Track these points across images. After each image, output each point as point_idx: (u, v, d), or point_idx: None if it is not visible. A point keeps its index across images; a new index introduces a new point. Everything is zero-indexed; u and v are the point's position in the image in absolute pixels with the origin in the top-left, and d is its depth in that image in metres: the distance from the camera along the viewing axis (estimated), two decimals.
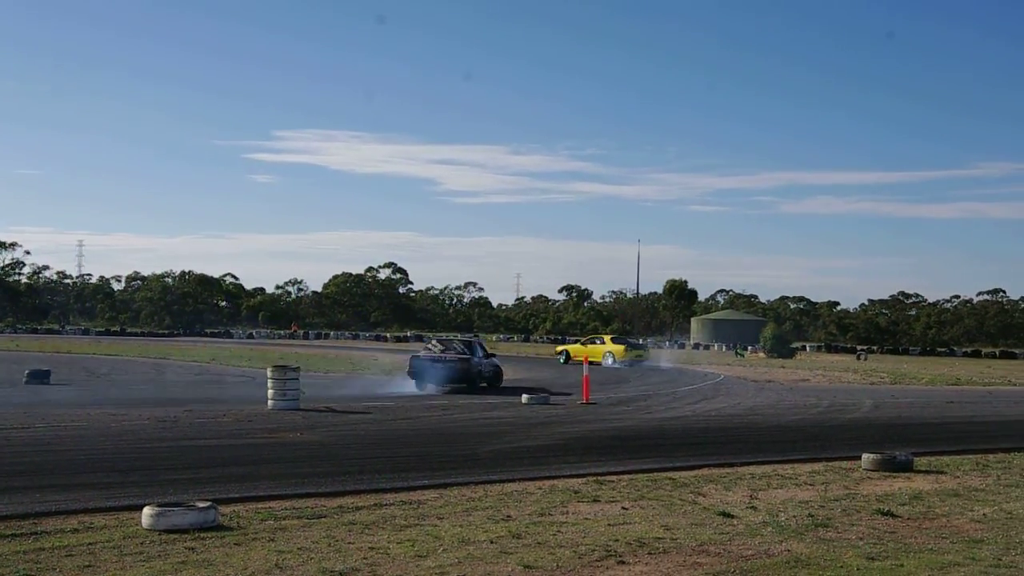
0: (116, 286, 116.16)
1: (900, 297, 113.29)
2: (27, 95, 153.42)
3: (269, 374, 20.17)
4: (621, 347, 45.83)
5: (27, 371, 26.64)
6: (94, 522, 8.57)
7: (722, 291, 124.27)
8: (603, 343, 47.08)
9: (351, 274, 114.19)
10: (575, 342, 54.72)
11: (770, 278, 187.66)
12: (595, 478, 11.75)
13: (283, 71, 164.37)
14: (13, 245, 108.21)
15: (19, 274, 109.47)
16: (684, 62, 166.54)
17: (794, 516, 9.58)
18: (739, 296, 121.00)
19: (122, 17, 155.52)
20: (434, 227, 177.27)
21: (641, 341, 48.36)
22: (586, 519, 9.25)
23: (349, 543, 7.95)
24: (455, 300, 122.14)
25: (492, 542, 8.10)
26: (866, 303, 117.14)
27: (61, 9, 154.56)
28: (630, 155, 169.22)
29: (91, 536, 8.01)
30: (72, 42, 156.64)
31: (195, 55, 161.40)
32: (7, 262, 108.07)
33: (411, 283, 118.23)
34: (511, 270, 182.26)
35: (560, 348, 51.07)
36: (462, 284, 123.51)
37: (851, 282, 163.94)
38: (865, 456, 13.28)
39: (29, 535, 8.00)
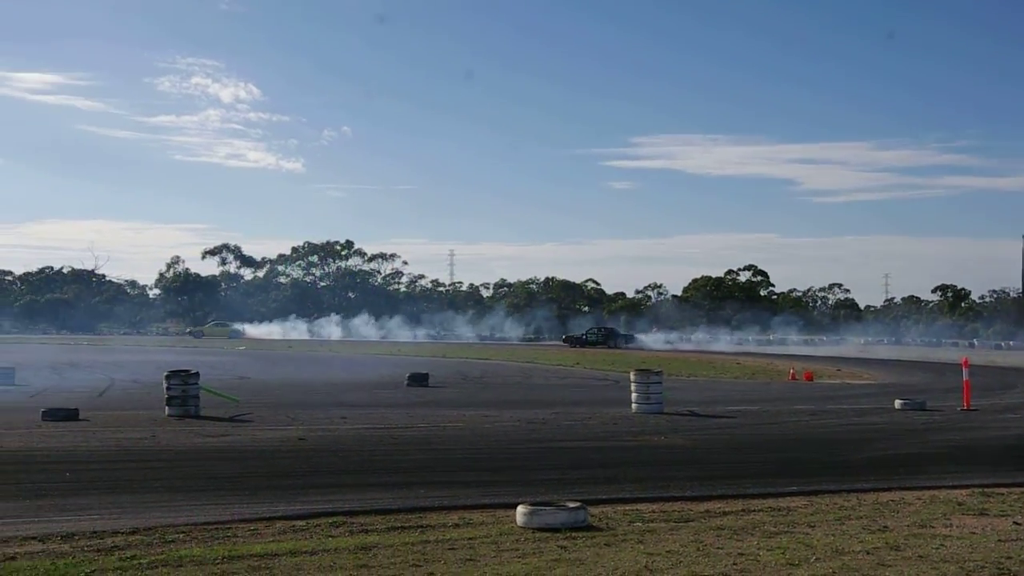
0: (484, 293, 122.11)
1: None
2: (402, 116, 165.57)
3: (632, 378, 20.42)
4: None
5: (408, 374, 28.52)
6: (472, 518, 9.02)
7: None
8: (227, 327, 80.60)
9: (711, 277, 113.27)
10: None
11: None
12: (981, 490, 10.94)
13: (638, 78, 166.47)
14: (393, 256, 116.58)
15: (398, 283, 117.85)
16: None
17: None
18: None
19: (486, 43, 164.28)
20: (794, 228, 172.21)
21: None
22: (972, 533, 8.61)
23: (717, 548, 7.86)
24: (819, 302, 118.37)
25: (868, 553, 7.72)
26: None
27: (448, 29, 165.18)
28: (1007, 145, 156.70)
29: (470, 531, 8.43)
30: (442, 64, 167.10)
31: (553, 74, 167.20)
32: (388, 272, 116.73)
33: (772, 285, 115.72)
34: (878, 270, 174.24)
35: (190, 329, 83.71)
36: (826, 285, 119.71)
37: None
38: None
39: (416, 528, 8.55)
